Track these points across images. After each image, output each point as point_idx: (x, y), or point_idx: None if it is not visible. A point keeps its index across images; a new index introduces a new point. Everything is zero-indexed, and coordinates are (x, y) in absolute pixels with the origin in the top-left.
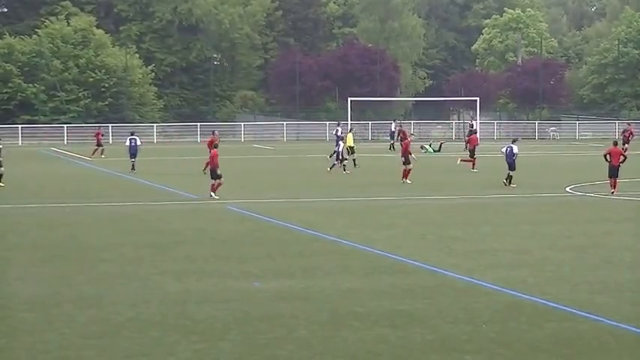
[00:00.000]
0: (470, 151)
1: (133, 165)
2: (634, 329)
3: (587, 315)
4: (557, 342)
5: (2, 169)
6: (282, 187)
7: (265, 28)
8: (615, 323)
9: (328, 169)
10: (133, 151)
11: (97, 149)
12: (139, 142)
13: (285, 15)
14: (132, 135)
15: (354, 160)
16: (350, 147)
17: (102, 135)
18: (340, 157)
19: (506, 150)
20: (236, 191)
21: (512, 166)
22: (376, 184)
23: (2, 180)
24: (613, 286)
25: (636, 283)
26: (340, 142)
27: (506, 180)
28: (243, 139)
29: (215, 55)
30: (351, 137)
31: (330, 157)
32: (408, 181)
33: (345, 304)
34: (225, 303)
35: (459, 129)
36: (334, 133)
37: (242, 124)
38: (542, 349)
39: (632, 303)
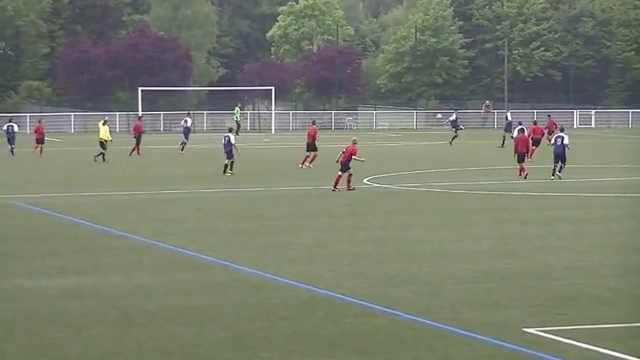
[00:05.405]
0: None
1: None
2: (431, 322)
3: (384, 309)
4: (354, 337)
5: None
6: (71, 180)
7: (52, 16)
8: (412, 317)
9: None
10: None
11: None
12: (16, 129)
13: (73, 2)
14: (9, 122)
15: None
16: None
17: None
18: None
19: (556, 140)
20: (23, 186)
21: (562, 157)
22: (169, 176)
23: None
24: (410, 279)
25: (434, 275)
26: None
27: (558, 172)
28: (29, 131)
29: None
30: None
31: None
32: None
33: (136, 301)
34: (10, 302)
35: (254, 119)
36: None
37: (28, 115)
38: (339, 345)
39: (430, 296)
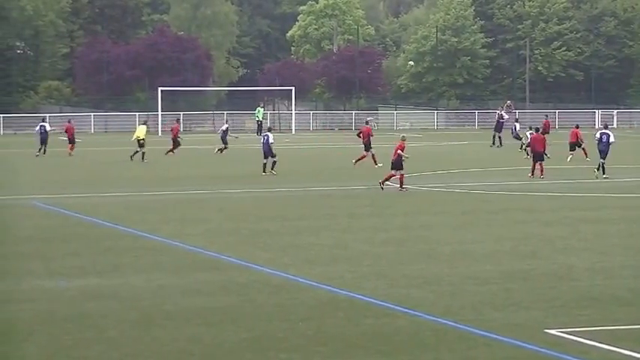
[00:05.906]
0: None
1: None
2: (453, 324)
3: (406, 310)
4: (375, 338)
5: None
6: (91, 180)
7: (71, 15)
8: (434, 318)
9: None
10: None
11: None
12: (48, 128)
13: (92, 2)
14: (42, 122)
15: None
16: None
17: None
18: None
19: (601, 137)
20: (42, 186)
21: (605, 154)
22: (190, 177)
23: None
24: (432, 280)
25: (455, 276)
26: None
27: (597, 169)
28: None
29: (18, 44)
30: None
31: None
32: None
33: (156, 302)
34: (29, 303)
35: (274, 119)
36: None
37: (47, 115)
38: (360, 346)
39: (451, 297)
